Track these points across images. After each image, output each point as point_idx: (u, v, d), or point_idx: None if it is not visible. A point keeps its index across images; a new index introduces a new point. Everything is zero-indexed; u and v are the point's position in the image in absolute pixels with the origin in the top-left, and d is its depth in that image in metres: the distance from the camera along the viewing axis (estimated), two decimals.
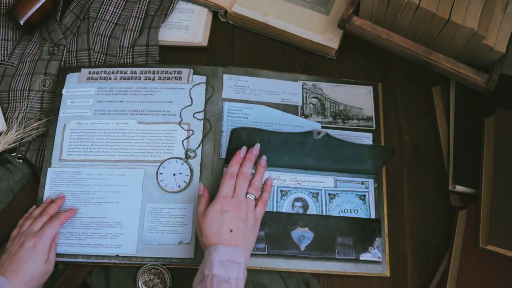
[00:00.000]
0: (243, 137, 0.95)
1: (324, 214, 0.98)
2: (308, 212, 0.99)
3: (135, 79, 1.07)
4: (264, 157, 0.97)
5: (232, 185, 0.91)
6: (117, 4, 1.14)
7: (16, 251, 0.87)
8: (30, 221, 0.92)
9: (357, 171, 1.01)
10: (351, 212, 0.99)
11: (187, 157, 1.00)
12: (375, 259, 0.96)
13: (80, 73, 1.07)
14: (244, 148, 0.95)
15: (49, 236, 0.90)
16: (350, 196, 1.00)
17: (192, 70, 1.08)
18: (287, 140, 0.95)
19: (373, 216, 0.99)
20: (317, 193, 1.00)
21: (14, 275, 0.84)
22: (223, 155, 1.01)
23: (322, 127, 1.05)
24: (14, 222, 0.97)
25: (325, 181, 1.01)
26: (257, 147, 0.95)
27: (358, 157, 0.98)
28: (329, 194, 1.00)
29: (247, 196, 0.91)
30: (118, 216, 0.96)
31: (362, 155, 0.97)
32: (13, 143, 1.02)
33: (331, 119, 1.06)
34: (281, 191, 1.00)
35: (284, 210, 0.98)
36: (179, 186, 0.98)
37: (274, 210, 0.98)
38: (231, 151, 0.96)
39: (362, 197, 1.00)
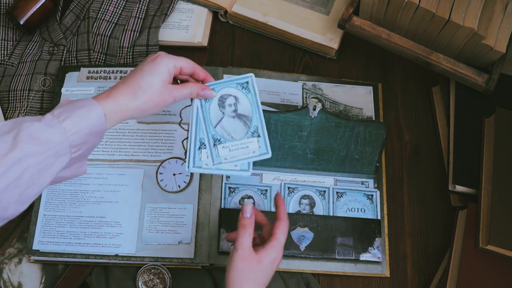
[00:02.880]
0: None
1: (331, 212, 0.99)
2: (315, 209, 0.99)
3: None
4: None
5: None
6: (117, 4, 1.14)
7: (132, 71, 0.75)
8: None
9: (357, 168, 1.01)
10: (358, 211, 0.99)
11: None
12: (375, 259, 0.96)
13: (79, 72, 1.07)
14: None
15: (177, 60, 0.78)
16: (358, 195, 1.00)
17: None
18: (285, 122, 0.96)
19: (379, 216, 0.99)
20: (324, 191, 1.00)
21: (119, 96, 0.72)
22: None
23: None
24: (14, 222, 0.97)
25: (325, 181, 1.02)
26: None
27: (354, 139, 0.98)
28: (337, 193, 1.00)
29: None
30: (117, 216, 0.96)
31: (358, 135, 0.98)
32: None
33: None
34: (288, 188, 1.00)
35: (290, 207, 0.99)
36: (179, 186, 0.98)
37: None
38: None
39: (370, 197, 1.00)
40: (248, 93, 0.84)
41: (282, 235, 0.79)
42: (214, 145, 0.82)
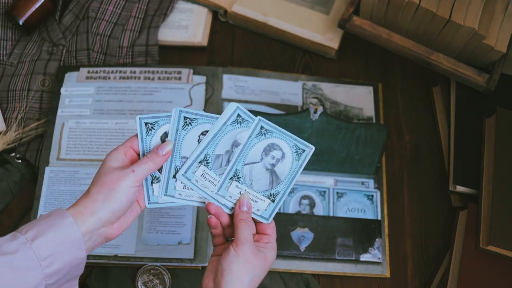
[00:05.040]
0: None
1: (331, 212, 0.99)
2: (315, 210, 0.99)
3: (135, 79, 1.07)
4: None
5: None
6: (117, 4, 1.14)
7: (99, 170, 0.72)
8: None
9: (357, 168, 1.01)
10: (358, 212, 0.99)
11: None
12: (375, 259, 0.96)
13: (79, 72, 1.07)
14: None
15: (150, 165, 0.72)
16: (358, 196, 1.00)
17: (192, 70, 1.08)
18: (286, 125, 0.95)
19: (379, 216, 0.99)
20: (325, 192, 1.00)
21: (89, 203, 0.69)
22: None
23: None
24: (13, 223, 0.97)
25: (326, 181, 1.01)
26: None
27: (355, 141, 0.97)
28: (337, 193, 1.00)
29: None
30: None
31: (359, 137, 0.97)
32: (12, 143, 1.01)
33: None
34: None
35: (290, 207, 0.99)
36: None
37: (281, 207, 0.99)
38: None
39: (370, 197, 1.00)
40: (297, 160, 0.76)
41: (274, 232, 0.76)
42: (231, 178, 0.75)
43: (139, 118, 0.74)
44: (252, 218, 0.76)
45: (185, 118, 0.74)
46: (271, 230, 0.76)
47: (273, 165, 0.76)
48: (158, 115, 0.75)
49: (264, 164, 0.76)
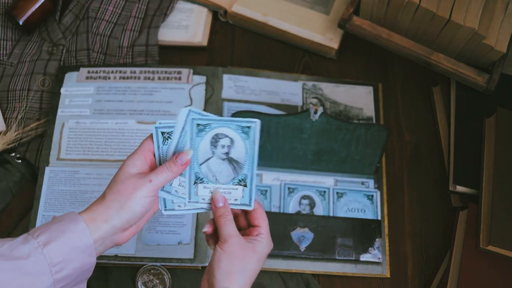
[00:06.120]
0: None
1: (331, 212, 0.99)
2: (315, 210, 0.99)
3: (135, 79, 1.07)
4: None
5: None
6: (117, 4, 1.14)
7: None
8: None
9: (357, 168, 1.01)
10: (358, 212, 0.99)
11: None
12: (375, 260, 0.96)
13: (79, 72, 1.07)
14: None
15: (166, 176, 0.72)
16: (358, 196, 1.00)
17: (192, 70, 1.08)
18: (286, 125, 0.95)
19: (379, 216, 0.99)
20: (325, 191, 1.00)
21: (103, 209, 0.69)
22: None
23: None
24: (13, 223, 0.96)
25: (326, 181, 1.01)
26: None
27: (355, 141, 0.97)
28: (337, 193, 1.00)
29: None
30: None
31: (360, 137, 0.97)
32: (12, 143, 1.01)
33: None
34: (288, 188, 1.00)
35: (290, 207, 0.99)
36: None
37: (281, 207, 0.99)
38: None
39: (370, 197, 1.00)
40: (247, 139, 0.74)
41: (266, 225, 0.75)
42: (195, 182, 0.75)
43: (156, 128, 0.73)
44: (236, 211, 0.76)
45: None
46: (260, 221, 0.75)
47: (227, 153, 0.75)
48: (174, 123, 0.73)
49: (218, 155, 0.75)
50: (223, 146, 0.74)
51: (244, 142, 0.74)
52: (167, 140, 0.74)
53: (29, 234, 0.64)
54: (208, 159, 0.74)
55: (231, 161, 0.75)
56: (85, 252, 0.66)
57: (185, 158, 0.72)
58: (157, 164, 0.74)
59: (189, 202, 0.75)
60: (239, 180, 0.75)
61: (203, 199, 0.76)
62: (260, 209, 0.76)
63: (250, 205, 0.76)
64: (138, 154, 0.72)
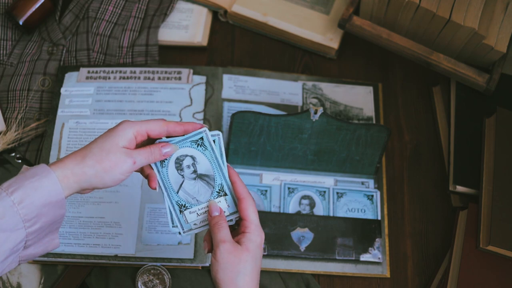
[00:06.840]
0: (244, 122, 0.95)
1: (331, 212, 0.99)
2: (315, 210, 0.99)
3: (135, 79, 1.07)
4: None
5: None
6: (117, 4, 1.14)
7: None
8: None
9: (357, 168, 1.01)
10: (358, 212, 0.99)
11: None
12: (375, 259, 0.96)
13: (79, 72, 1.07)
14: None
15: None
16: (358, 196, 1.00)
17: (191, 70, 1.08)
18: (286, 125, 0.95)
19: (379, 216, 0.99)
20: (325, 191, 1.00)
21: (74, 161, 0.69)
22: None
23: None
24: None
25: (326, 181, 1.01)
26: None
27: (355, 142, 0.97)
28: (337, 193, 1.00)
29: None
30: (116, 216, 0.96)
31: (360, 137, 0.97)
32: (12, 143, 1.01)
33: None
34: (288, 188, 1.00)
35: (290, 207, 0.99)
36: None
37: (281, 207, 0.99)
38: (234, 140, 0.96)
39: (370, 197, 1.00)
40: (205, 150, 0.74)
41: (253, 214, 0.74)
42: (181, 211, 0.75)
43: None
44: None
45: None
46: (247, 212, 0.74)
47: (195, 171, 0.75)
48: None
49: (188, 177, 0.75)
50: (188, 167, 0.75)
51: (204, 154, 0.75)
52: (163, 162, 0.75)
53: (2, 190, 0.65)
54: (181, 183, 0.75)
55: (201, 177, 0.75)
56: (57, 205, 0.67)
57: (169, 151, 0.74)
58: (162, 189, 0.76)
59: (184, 233, 0.76)
60: (217, 191, 0.76)
61: (195, 224, 0.76)
62: (247, 199, 0.74)
63: (237, 212, 0.76)
64: (133, 128, 0.72)
